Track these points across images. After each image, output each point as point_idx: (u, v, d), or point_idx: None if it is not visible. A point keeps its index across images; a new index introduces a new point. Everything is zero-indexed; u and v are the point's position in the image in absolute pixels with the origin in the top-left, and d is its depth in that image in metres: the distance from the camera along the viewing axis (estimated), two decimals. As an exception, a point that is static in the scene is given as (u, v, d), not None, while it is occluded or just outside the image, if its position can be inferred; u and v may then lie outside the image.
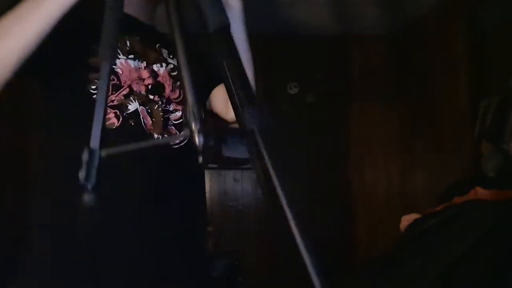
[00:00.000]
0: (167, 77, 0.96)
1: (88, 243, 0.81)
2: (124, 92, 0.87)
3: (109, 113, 0.85)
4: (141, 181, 0.86)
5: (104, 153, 0.53)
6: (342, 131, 3.65)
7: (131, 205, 0.85)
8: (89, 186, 0.50)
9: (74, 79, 0.85)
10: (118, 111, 0.86)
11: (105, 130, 0.56)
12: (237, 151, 3.55)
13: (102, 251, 0.81)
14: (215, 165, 3.49)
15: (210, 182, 3.42)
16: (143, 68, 0.92)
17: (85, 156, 0.51)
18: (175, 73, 0.98)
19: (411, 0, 2.90)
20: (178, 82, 0.98)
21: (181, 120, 0.95)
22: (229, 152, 3.54)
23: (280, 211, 0.49)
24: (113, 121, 0.85)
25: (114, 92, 0.86)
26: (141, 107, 0.88)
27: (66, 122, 0.85)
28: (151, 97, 0.91)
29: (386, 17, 3.20)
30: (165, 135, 0.91)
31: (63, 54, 0.83)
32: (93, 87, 0.84)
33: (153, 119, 0.90)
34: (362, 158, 3.63)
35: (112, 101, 0.86)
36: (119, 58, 0.88)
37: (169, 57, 0.99)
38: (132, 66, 0.89)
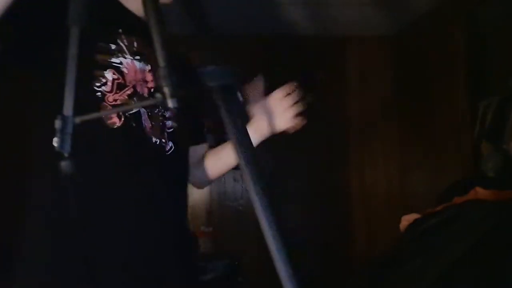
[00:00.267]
0: None
1: (86, 243, 0.81)
2: (128, 92, 0.87)
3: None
4: (135, 184, 0.86)
5: (77, 120, 0.53)
6: (341, 131, 3.64)
7: (126, 207, 0.85)
8: (65, 153, 0.51)
9: (79, 75, 0.85)
10: (121, 112, 0.86)
11: (77, 97, 0.56)
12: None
13: (98, 252, 0.81)
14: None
15: (210, 182, 3.41)
16: (147, 70, 0.92)
17: (58, 124, 0.51)
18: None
19: (411, 0, 2.90)
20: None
21: (172, 129, 0.95)
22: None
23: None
24: (114, 120, 0.85)
25: (118, 91, 0.86)
26: (143, 109, 0.89)
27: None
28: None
29: (386, 17, 3.20)
30: (162, 140, 0.91)
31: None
32: (98, 84, 0.84)
33: (152, 123, 0.90)
34: (361, 158, 3.63)
35: (116, 100, 0.86)
36: (125, 58, 0.88)
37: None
38: (138, 67, 0.90)
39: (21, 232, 0.85)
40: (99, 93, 0.84)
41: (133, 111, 0.87)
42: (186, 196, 1.05)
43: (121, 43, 0.89)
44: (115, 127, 0.85)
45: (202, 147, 1.17)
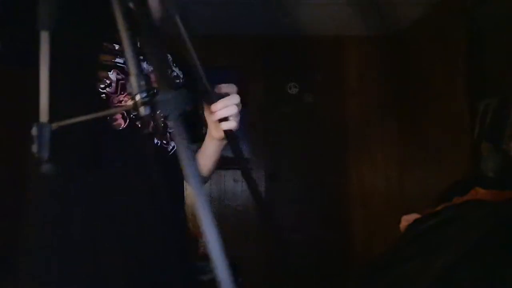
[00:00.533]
0: None
1: (87, 243, 0.80)
2: None
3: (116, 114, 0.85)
4: (139, 186, 0.86)
5: (54, 126, 0.54)
6: (341, 131, 3.65)
7: (129, 207, 0.85)
8: (44, 158, 0.52)
9: (84, 77, 0.84)
10: (125, 112, 0.86)
11: (53, 102, 0.56)
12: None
13: (99, 252, 0.81)
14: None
15: (209, 182, 3.42)
16: (149, 71, 0.91)
17: (34, 131, 0.52)
18: (177, 81, 0.98)
19: (410, 1, 2.90)
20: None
21: None
22: (229, 152, 3.54)
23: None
24: (119, 122, 0.85)
25: (122, 92, 0.86)
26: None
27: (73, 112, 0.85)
28: None
29: (386, 17, 3.20)
30: (163, 142, 0.91)
31: (74, 51, 0.82)
32: (102, 85, 0.84)
33: (155, 124, 0.91)
34: (361, 158, 3.63)
35: (120, 101, 0.86)
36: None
37: (173, 65, 0.99)
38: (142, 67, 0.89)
39: (22, 232, 0.85)
40: (103, 95, 0.84)
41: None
42: (184, 197, 1.05)
43: None
44: (120, 128, 0.85)
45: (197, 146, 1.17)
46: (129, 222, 0.85)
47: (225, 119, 0.86)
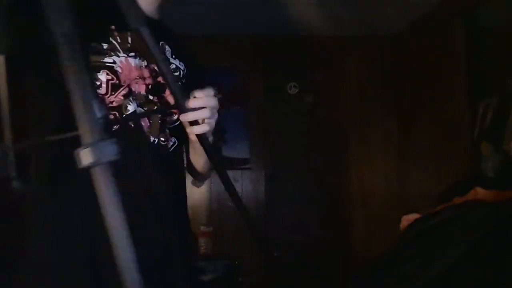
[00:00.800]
0: None
1: (86, 244, 0.80)
2: (124, 92, 0.86)
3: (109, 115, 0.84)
4: (136, 185, 0.85)
5: (18, 146, 0.54)
6: (341, 131, 3.65)
7: (126, 208, 0.84)
8: (11, 177, 0.53)
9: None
10: (117, 113, 0.84)
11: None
12: (237, 151, 3.56)
13: (99, 253, 0.81)
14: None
15: (210, 182, 3.42)
16: (144, 66, 0.89)
17: None
18: (176, 74, 0.96)
19: (410, 1, 2.90)
20: (179, 83, 0.97)
21: (177, 123, 0.93)
22: (228, 152, 3.54)
23: None
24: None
25: (113, 93, 0.84)
26: (139, 108, 0.87)
27: (62, 125, 0.84)
28: (151, 97, 0.89)
29: (386, 17, 3.20)
30: (161, 139, 0.90)
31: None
32: None
33: (151, 121, 0.89)
34: (361, 158, 3.63)
35: (112, 102, 0.84)
36: (119, 56, 0.86)
37: (172, 57, 0.97)
38: (133, 64, 0.87)
39: (22, 233, 0.85)
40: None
41: (130, 111, 0.85)
42: (186, 195, 1.05)
43: (113, 41, 0.86)
44: (113, 129, 0.84)
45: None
46: (130, 222, 0.85)
47: (196, 122, 0.82)
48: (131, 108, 0.86)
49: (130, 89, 0.87)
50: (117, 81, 0.85)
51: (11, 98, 0.73)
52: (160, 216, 0.89)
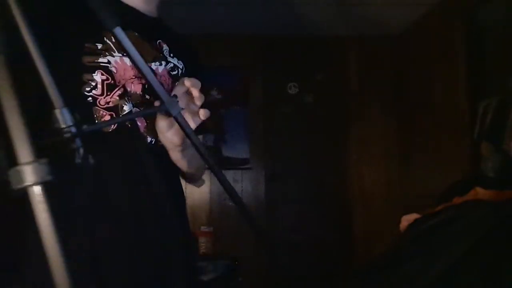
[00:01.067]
0: (167, 76, 0.93)
1: (85, 245, 0.80)
2: (119, 92, 0.85)
3: (105, 115, 0.83)
4: (133, 186, 0.85)
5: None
6: (341, 131, 3.65)
7: (123, 208, 0.84)
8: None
9: (69, 81, 0.83)
10: (114, 113, 0.84)
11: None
12: (237, 151, 3.56)
13: (98, 254, 0.81)
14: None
15: (210, 182, 3.42)
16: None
17: None
18: (175, 72, 0.95)
19: (410, 1, 2.90)
20: (177, 83, 0.96)
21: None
22: (228, 152, 3.54)
23: None
24: None
25: (109, 93, 0.84)
26: (135, 108, 0.86)
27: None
28: (148, 97, 0.88)
29: (386, 17, 3.20)
30: (158, 140, 0.89)
31: (57, 56, 0.82)
32: (88, 88, 0.82)
33: (148, 121, 0.88)
34: (361, 158, 3.63)
35: (108, 102, 0.84)
36: (113, 56, 0.85)
37: (170, 55, 0.96)
38: (128, 64, 0.86)
39: (24, 235, 0.85)
40: (90, 98, 0.82)
41: (126, 111, 0.85)
42: (184, 194, 1.04)
43: (108, 41, 0.85)
44: (110, 130, 0.83)
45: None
46: (128, 222, 0.85)
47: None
48: (127, 108, 0.85)
49: (125, 89, 0.86)
50: (112, 81, 0.84)
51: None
52: (160, 217, 0.89)
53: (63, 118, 0.52)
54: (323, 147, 3.61)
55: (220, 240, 3.34)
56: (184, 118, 0.69)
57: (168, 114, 0.70)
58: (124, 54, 0.86)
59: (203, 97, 0.82)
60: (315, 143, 3.61)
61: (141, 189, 0.86)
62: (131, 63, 0.87)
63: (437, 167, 2.94)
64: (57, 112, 0.52)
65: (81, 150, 0.55)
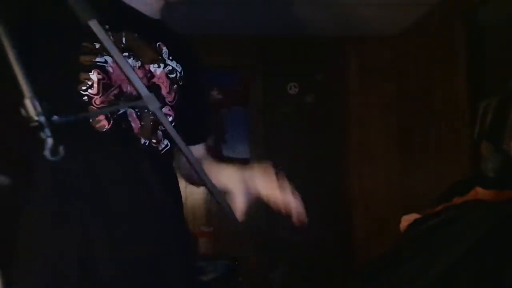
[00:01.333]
0: (164, 79, 0.93)
1: (81, 246, 0.80)
2: (115, 92, 0.85)
3: (99, 115, 0.83)
4: (127, 187, 0.85)
5: None
6: (341, 132, 3.65)
7: (119, 209, 0.84)
8: None
9: (65, 80, 0.83)
10: (109, 113, 0.84)
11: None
12: (237, 151, 3.56)
13: (95, 256, 0.80)
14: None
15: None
16: (137, 67, 0.88)
17: None
18: (173, 75, 0.94)
19: (410, 1, 2.90)
20: (175, 85, 0.95)
21: (172, 125, 0.92)
22: (229, 152, 3.54)
23: None
24: (103, 123, 0.83)
25: (104, 93, 0.84)
26: (129, 109, 0.86)
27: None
28: None
29: (386, 17, 3.20)
30: (153, 140, 0.89)
31: (54, 55, 0.81)
32: (84, 87, 0.82)
33: (142, 123, 0.87)
34: (361, 158, 3.63)
35: (103, 102, 0.83)
36: (111, 56, 0.85)
37: (169, 58, 0.95)
38: None
39: (20, 233, 0.85)
40: (85, 97, 0.82)
41: (120, 112, 0.85)
42: (181, 195, 1.04)
43: None
44: (104, 130, 0.83)
45: (199, 147, 1.13)
46: (125, 223, 0.84)
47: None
48: (121, 108, 0.85)
49: (121, 90, 0.85)
50: (108, 81, 0.84)
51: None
52: (155, 217, 0.88)
53: (31, 107, 0.52)
54: (323, 147, 3.61)
55: (220, 240, 3.34)
56: (163, 114, 0.69)
57: (147, 110, 0.69)
58: (123, 54, 0.85)
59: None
60: (315, 143, 3.61)
61: (136, 190, 0.85)
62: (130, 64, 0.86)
63: (437, 167, 2.93)
64: (26, 101, 0.52)
65: (50, 141, 0.56)
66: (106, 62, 0.84)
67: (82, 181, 0.82)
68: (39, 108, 0.52)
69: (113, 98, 0.84)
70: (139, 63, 0.89)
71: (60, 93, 0.82)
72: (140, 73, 0.89)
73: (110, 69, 0.84)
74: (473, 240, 1.18)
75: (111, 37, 0.85)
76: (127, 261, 0.83)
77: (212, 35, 3.33)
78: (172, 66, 0.95)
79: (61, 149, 0.61)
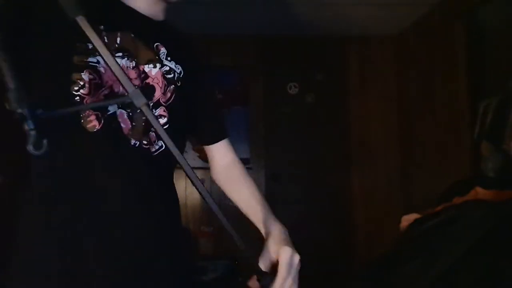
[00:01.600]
0: (160, 79, 0.91)
1: (77, 248, 0.80)
2: (105, 92, 0.84)
3: (90, 115, 0.82)
4: (119, 189, 0.84)
5: None
6: (341, 132, 3.65)
7: (110, 210, 0.83)
8: None
9: (58, 80, 0.82)
10: (99, 113, 0.83)
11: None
12: (237, 151, 3.55)
13: (91, 257, 0.80)
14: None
15: (210, 183, 3.41)
16: (131, 67, 0.87)
17: None
18: (170, 76, 0.93)
19: (410, 1, 2.90)
20: (172, 86, 0.93)
21: (166, 126, 0.91)
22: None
23: None
24: (94, 123, 0.82)
25: (95, 93, 0.83)
26: (119, 110, 0.85)
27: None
28: None
29: (386, 17, 3.20)
30: (143, 142, 0.88)
31: (47, 55, 0.81)
32: (76, 88, 0.81)
33: (133, 123, 0.86)
34: (361, 158, 3.63)
35: (94, 102, 0.82)
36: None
37: (167, 59, 0.94)
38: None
39: (16, 234, 0.84)
40: (77, 97, 0.81)
41: (110, 112, 0.84)
42: (177, 196, 1.02)
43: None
44: (95, 130, 0.82)
45: (222, 144, 1.15)
46: (119, 225, 0.84)
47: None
48: (111, 109, 0.84)
49: (112, 90, 0.84)
50: (99, 81, 0.83)
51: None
52: (149, 218, 0.87)
53: (14, 98, 0.52)
54: (323, 147, 3.61)
55: (220, 240, 3.34)
56: (150, 111, 0.68)
57: (139, 110, 0.69)
58: (116, 54, 0.85)
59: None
60: (315, 143, 3.61)
61: (125, 190, 0.85)
62: (122, 65, 0.85)
63: (438, 167, 2.94)
64: (10, 93, 0.52)
65: (33, 134, 0.55)
66: (98, 62, 0.83)
67: (73, 182, 0.82)
68: (22, 100, 0.52)
69: (103, 98, 0.83)
70: (133, 63, 0.88)
71: (53, 93, 0.82)
72: (134, 73, 0.88)
73: (102, 70, 0.83)
74: (473, 240, 1.18)
75: (106, 37, 0.85)
76: (119, 262, 0.83)
77: (212, 35, 3.34)
78: (169, 67, 0.94)
79: (44, 142, 0.61)
